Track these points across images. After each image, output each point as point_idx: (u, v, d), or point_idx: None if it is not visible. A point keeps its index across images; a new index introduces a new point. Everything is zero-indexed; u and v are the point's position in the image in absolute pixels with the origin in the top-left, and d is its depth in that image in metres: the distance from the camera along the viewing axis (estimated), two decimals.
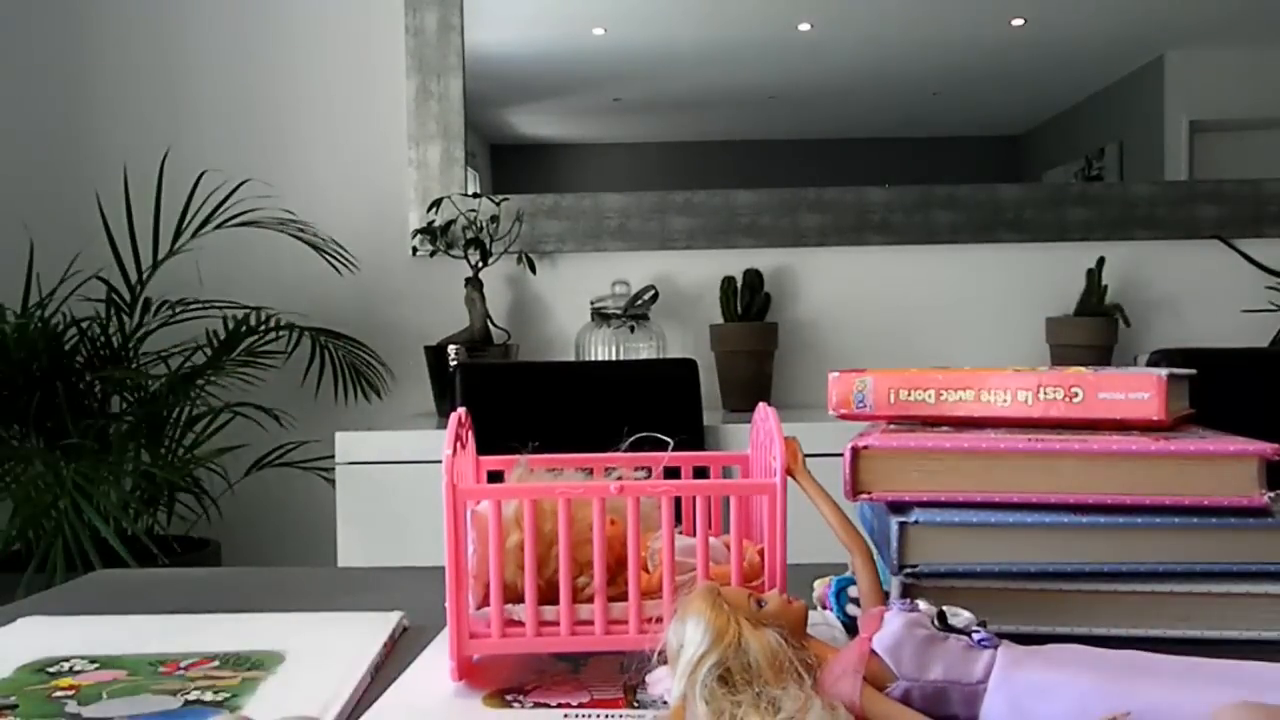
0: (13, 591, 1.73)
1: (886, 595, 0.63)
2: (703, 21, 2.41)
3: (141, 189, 2.21)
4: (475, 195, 2.41)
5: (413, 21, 2.40)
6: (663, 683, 0.55)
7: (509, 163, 2.49)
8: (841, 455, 0.69)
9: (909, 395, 0.75)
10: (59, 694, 0.62)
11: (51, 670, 0.67)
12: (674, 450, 0.70)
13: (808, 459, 0.67)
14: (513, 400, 1.81)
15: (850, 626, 0.72)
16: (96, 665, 0.68)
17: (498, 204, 2.37)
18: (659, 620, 0.59)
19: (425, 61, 2.40)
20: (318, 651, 0.69)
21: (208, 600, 0.87)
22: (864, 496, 0.69)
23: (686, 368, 1.88)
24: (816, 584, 0.77)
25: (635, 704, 0.59)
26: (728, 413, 2.28)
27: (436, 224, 2.35)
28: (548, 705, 0.59)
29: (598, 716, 0.58)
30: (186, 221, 2.16)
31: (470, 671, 0.64)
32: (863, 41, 2.42)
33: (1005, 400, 0.71)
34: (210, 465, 2.15)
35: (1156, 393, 0.67)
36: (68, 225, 2.38)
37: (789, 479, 0.63)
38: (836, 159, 2.47)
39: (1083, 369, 0.71)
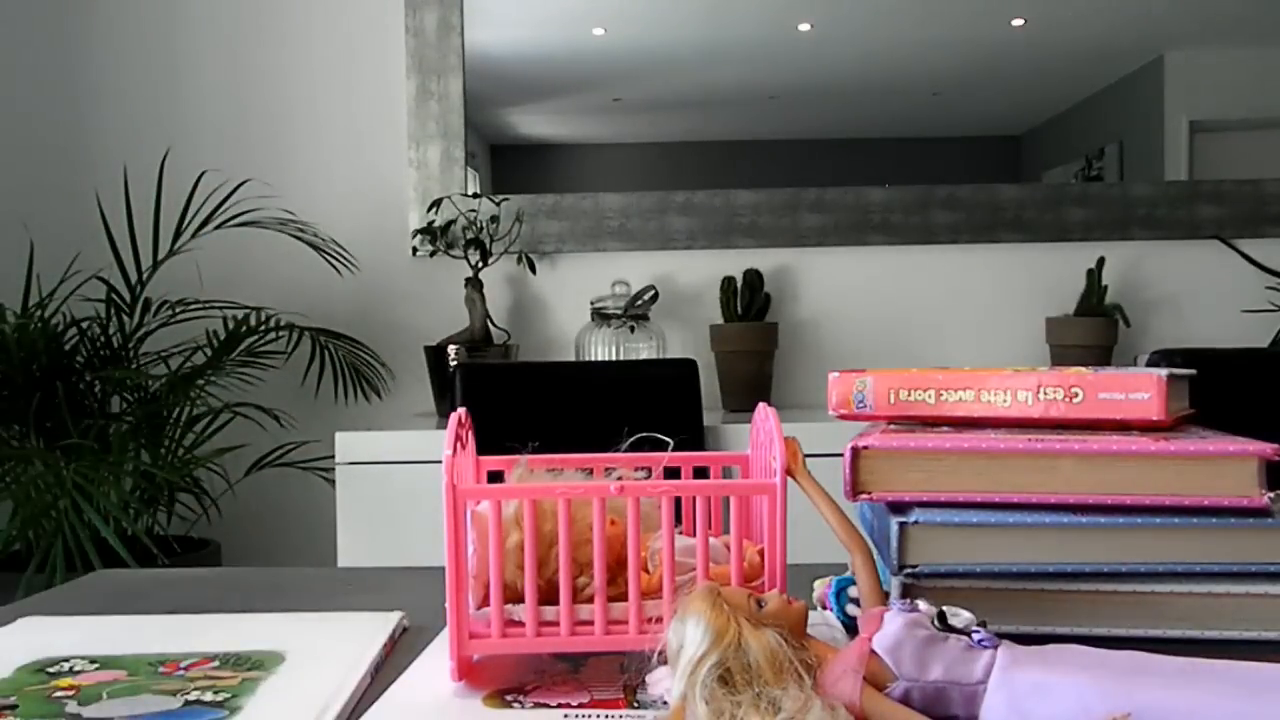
0: (13, 591, 1.73)
1: (886, 595, 0.63)
2: (703, 21, 2.41)
3: (141, 189, 2.21)
4: (475, 195, 2.41)
5: (413, 21, 2.40)
6: (663, 683, 0.55)
7: (509, 163, 2.49)
8: (841, 455, 0.69)
9: (909, 395, 0.75)
10: (59, 694, 0.62)
11: (51, 670, 0.67)
12: (674, 450, 0.70)
13: (808, 459, 0.67)
14: (513, 400, 1.81)
15: (850, 626, 0.72)
16: (96, 665, 0.68)
17: (498, 204, 2.37)
18: (659, 620, 0.59)
19: (425, 61, 2.40)
20: (318, 651, 0.69)
21: (208, 600, 0.87)
22: (864, 496, 0.69)
23: (686, 368, 1.88)
24: (816, 584, 0.77)
25: (635, 704, 0.59)
26: (728, 413, 2.28)
27: (436, 224, 2.35)
28: (548, 705, 0.59)
29: (598, 717, 0.58)
30: (186, 221, 2.16)
31: (470, 671, 0.64)
32: (863, 41, 2.42)
33: (1005, 400, 0.71)
34: (210, 465, 2.15)
35: (1156, 393, 0.67)
36: (68, 225, 2.38)
37: (789, 479, 0.63)
38: (836, 159, 2.47)
39: (1083, 369, 0.71)
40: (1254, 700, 0.49)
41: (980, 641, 0.53)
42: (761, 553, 0.64)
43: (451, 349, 2.23)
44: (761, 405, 0.70)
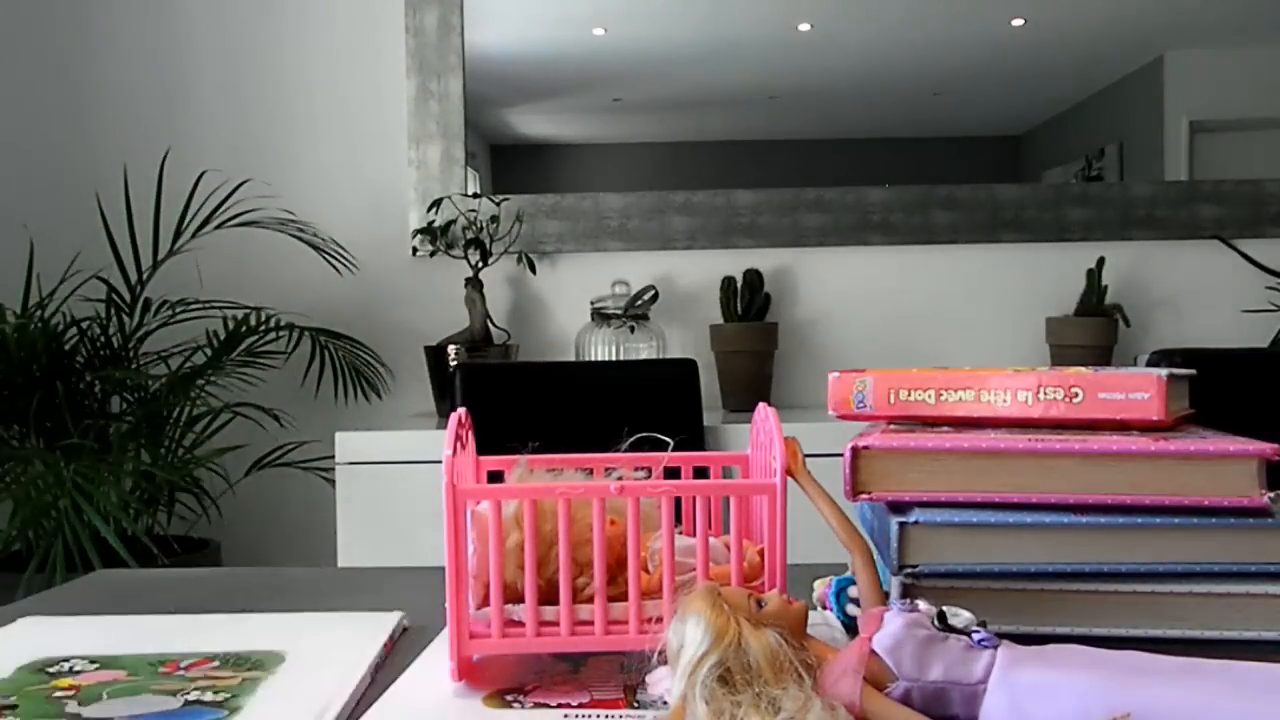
0: (13, 591, 1.73)
1: (886, 595, 0.63)
2: (703, 21, 2.41)
3: (141, 189, 2.21)
4: (475, 195, 2.41)
5: (413, 21, 2.40)
6: (663, 683, 0.55)
7: (509, 163, 2.49)
8: (841, 455, 0.69)
9: (909, 395, 0.75)
10: (59, 694, 0.62)
11: (51, 670, 0.67)
12: (674, 450, 0.70)
13: (808, 459, 0.67)
14: (513, 400, 1.81)
15: (850, 626, 0.72)
16: (96, 665, 0.68)
17: (498, 204, 2.37)
18: (659, 620, 0.59)
19: (425, 61, 2.40)
20: (318, 651, 0.69)
21: (208, 600, 0.87)
22: (864, 496, 0.69)
23: (686, 368, 1.88)
24: (816, 584, 0.77)
25: (635, 704, 0.59)
26: (728, 413, 2.28)
27: (436, 224, 2.35)
28: (548, 705, 0.59)
29: (598, 716, 0.58)
30: (186, 222, 2.16)
31: (470, 671, 0.64)
32: (863, 41, 2.42)
33: (1005, 400, 0.71)
34: (210, 465, 2.15)
35: (1156, 393, 0.67)
36: (68, 225, 2.38)
37: (789, 479, 0.63)
38: (836, 159, 2.47)
39: (1083, 369, 0.71)
40: (1254, 700, 0.49)
41: (980, 641, 0.53)
42: (761, 553, 0.64)
43: (451, 349, 2.23)
44: (761, 405, 0.70)
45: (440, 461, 0.60)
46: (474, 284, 2.28)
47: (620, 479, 0.64)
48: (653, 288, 2.28)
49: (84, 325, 2.16)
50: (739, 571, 0.62)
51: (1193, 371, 0.76)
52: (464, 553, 0.60)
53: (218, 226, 2.18)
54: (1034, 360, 2.34)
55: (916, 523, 0.67)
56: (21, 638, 0.75)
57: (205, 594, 0.90)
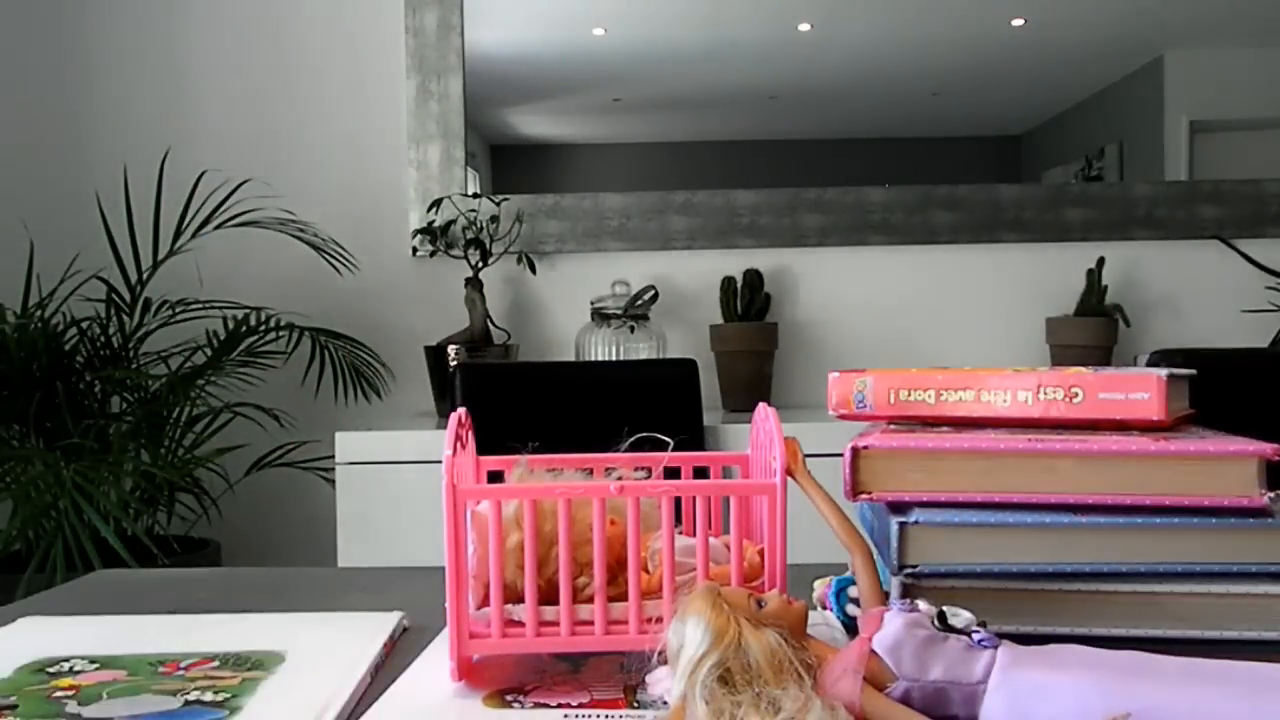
0: (13, 591, 1.73)
1: (886, 595, 0.63)
2: (703, 21, 2.41)
3: (141, 189, 2.21)
4: (475, 195, 2.41)
5: (413, 21, 2.40)
6: (663, 683, 0.55)
7: (509, 163, 2.49)
8: (841, 455, 0.69)
9: (909, 395, 0.75)
10: (59, 694, 0.62)
11: (51, 670, 0.67)
12: (674, 450, 0.70)
13: (808, 459, 0.67)
14: (513, 400, 1.81)
15: (850, 626, 0.72)
16: (96, 665, 0.68)
17: (498, 204, 2.37)
18: (659, 620, 0.59)
19: (425, 61, 2.40)
20: (318, 651, 0.69)
21: (208, 600, 0.87)
22: (864, 496, 0.69)
23: (686, 368, 1.88)
24: (816, 584, 0.77)
25: (635, 704, 0.59)
26: (728, 413, 2.28)
27: (436, 224, 2.35)
28: (548, 705, 0.59)
29: (598, 716, 0.58)
30: (186, 221, 2.16)
31: (470, 671, 0.64)
32: (863, 41, 2.42)
33: (1005, 400, 0.71)
34: (210, 465, 2.15)
35: (1156, 393, 0.67)
36: (68, 225, 2.38)
37: (789, 479, 0.63)
38: (836, 159, 2.47)
39: (1083, 369, 0.71)
40: (1254, 700, 0.49)
41: (980, 641, 0.53)
42: (761, 553, 0.64)
43: (451, 349, 2.23)
44: (761, 405, 0.70)
45: (440, 461, 0.60)
46: (474, 284, 2.28)
47: (620, 479, 0.64)
48: (653, 288, 2.28)
49: (84, 325, 2.16)
50: (739, 571, 0.62)
51: (1193, 371, 0.76)
52: (464, 553, 0.60)
53: (218, 226, 2.18)
54: (1034, 360, 2.34)
55: (916, 523, 0.67)
56: (21, 638, 0.75)
57: (205, 594, 0.90)
